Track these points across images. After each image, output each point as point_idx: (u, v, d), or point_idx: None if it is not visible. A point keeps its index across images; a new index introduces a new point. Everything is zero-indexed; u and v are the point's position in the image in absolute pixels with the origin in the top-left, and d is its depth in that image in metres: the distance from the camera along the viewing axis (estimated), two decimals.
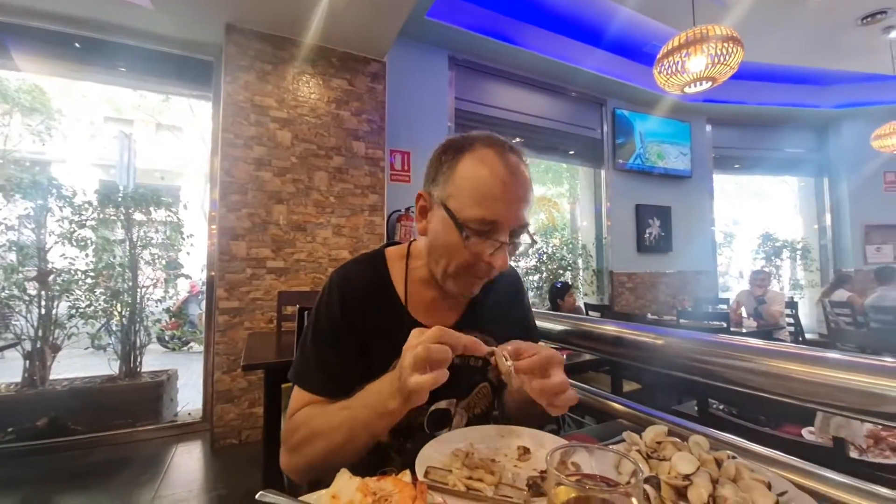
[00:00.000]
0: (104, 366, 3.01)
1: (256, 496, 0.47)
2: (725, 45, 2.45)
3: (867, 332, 3.70)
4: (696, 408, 1.47)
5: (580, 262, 5.16)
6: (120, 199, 2.96)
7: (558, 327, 1.15)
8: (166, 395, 2.98)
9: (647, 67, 3.47)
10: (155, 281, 3.14)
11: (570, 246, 5.11)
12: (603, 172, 4.99)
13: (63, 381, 2.83)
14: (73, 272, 2.87)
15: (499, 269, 0.66)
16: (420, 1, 2.90)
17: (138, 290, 3.02)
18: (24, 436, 2.52)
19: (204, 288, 3.32)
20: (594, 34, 4.28)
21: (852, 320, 3.94)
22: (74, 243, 2.85)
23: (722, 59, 2.47)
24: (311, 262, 2.99)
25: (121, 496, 2.08)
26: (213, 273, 2.89)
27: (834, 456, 0.99)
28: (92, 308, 2.89)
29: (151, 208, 3.04)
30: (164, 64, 3.15)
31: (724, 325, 3.21)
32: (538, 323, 1.19)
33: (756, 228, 6.50)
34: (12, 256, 2.73)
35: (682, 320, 3.45)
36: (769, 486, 0.49)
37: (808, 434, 1.20)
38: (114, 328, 3.05)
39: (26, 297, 2.72)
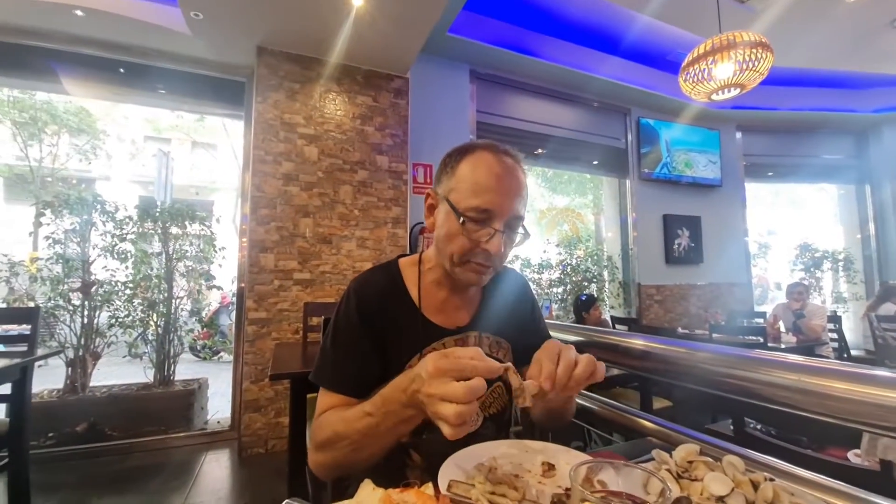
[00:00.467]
0: (140, 374, 3.13)
1: None
2: (754, 50, 2.39)
3: None
4: (731, 427, 1.41)
5: (606, 274, 5.06)
6: (158, 214, 3.11)
7: (583, 340, 1.13)
8: (197, 404, 3.06)
9: (672, 75, 3.42)
10: (189, 292, 3.26)
11: (595, 258, 5.02)
12: (628, 182, 4.90)
13: (102, 388, 2.95)
14: (113, 283, 3.02)
15: (493, 253, 0.71)
16: (442, 18, 2.96)
17: (173, 300, 3.15)
18: (64, 441, 2.63)
19: (234, 299, 3.43)
20: (615, 43, 4.26)
21: None
22: (115, 256, 3.00)
23: (751, 65, 2.41)
24: (336, 274, 3.04)
25: (153, 502, 2.14)
26: (243, 284, 2.98)
27: (881, 480, 0.93)
28: (130, 318, 3.03)
29: (186, 222, 3.17)
30: (201, 85, 3.32)
31: (761, 339, 3.06)
32: (565, 336, 1.18)
33: (794, 238, 6.22)
34: (58, 268, 2.89)
35: (714, 335, 3.31)
36: None
37: (853, 457, 1.13)
38: (149, 337, 3.17)
39: (70, 308, 2.87)
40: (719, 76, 2.51)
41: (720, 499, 0.48)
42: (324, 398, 0.74)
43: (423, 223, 3.41)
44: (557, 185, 9.81)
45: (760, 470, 0.57)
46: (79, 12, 2.69)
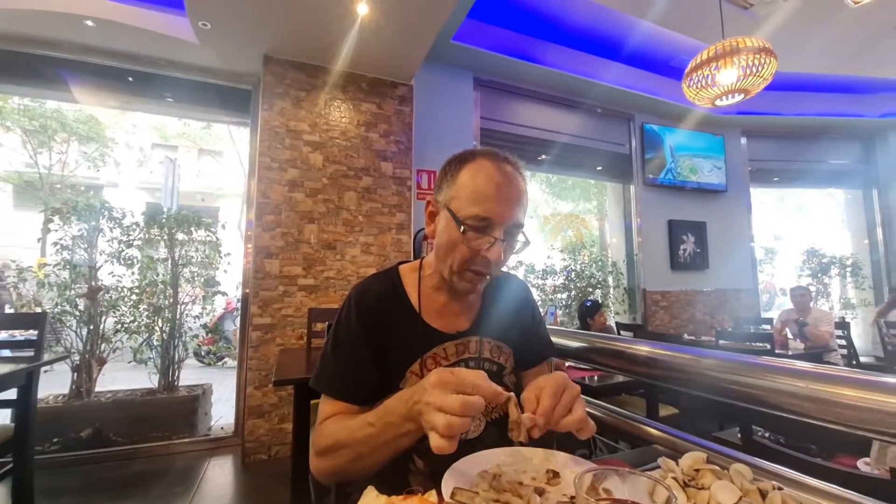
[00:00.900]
0: (145, 379, 3.14)
1: None
2: (758, 56, 2.39)
3: None
4: (738, 435, 1.39)
5: (610, 280, 5.03)
6: (164, 220, 3.14)
7: (590, 347, 1.12)
8: (201, 409, 3.07)
9: (676, 81, 3.43)
10: (194, 298, 3.27)
11: (600, 263, 5.00)
12: (632, 188, 4.89)
13: (107, 394, 2.97)
14: (119, 289, 3.04)
15: (493, 261, 0.71)
16: (445, 26, 2.99)
17: (178, 306, 3.16)
18: (69, 446, 2.64)
19: (239, 305, 3.44)
20: (618, 50, 4.27)
21: None
22: (122, 262, 3.03)
23: (755, 70, 2.41)
24: (340, 280, 3.05)
25: None
26: (247, 290, 2.99)
27: (891, 488, 0.91)
28: (135, 323, 3.05)
29: (192, 228, 3.20)
30: (207, 94, 3.36)
31: (768, 346, 3.03)
32: (570, 342, 1.17)
33: (800, 244, 6.17)
34: (66, 274, 2.92)
35: (721, 341, 3.28)
36: None
37: (863, 465, 1.11)
38: (154, 343, 3.19)
39: (77, 313, 2.89)
40: (723, 82, 2.51)
41: None
42: (325, 405, 0.74)
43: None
44: (561, 190, 9.80)
45: (768, 478, 0.56)
46: (89, 22, 2.74)
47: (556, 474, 0.60)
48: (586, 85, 4.28)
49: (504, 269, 0.82)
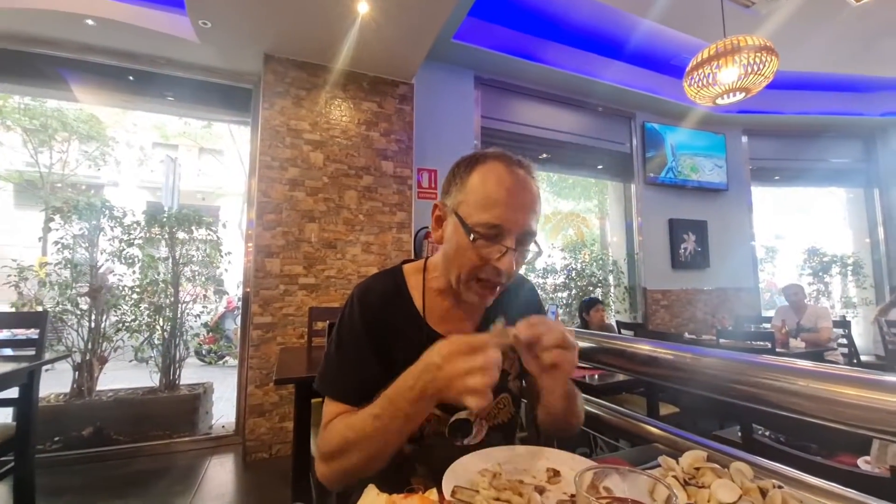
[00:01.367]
0: (146, 378, 3.15)
1: None
2: (759, 55, 2.38)
3: None
4: (739, 433, 1.39)
5: (611, 278, 5.03)
6: (165, 219, 3.14)
7: (589, 345, 1.12)
8: (202, 408, 3.07)
9: (677, 80, 3.43)
10: (195, 297, 3.28)
11: (601, 262, 4.99)
12: (633, 187, 4.88)
13: (108, 392, 2.97)
14: (121, 288, 3.04)
15: (505, 271, 0.68)
16: (446, 25, 2.99)
17: (179, 305, 3.17)
18: (71, 444, 2.65)
19: (239, 304, 3.44)
20: (619, 48, 4.26)
21: None
22: (123, 261, 3.03)
23: (756, 69, 2.40)
24: (341, 279, 3.05)
25: None
26: (248, 289, 3.00)
27: (892, 487, 0.91)
28: (136, 322, 3.05)
29: (193, 227, 3.20)
30: (208, 93, 3.36)
31: (769, 345, 3.03)
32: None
33: (802, 243, 6.16)
34: (67, 273, 2.92)
35: (722, 340, 3.27)
36: None
37: (863, 464, 1.11)
38: (156, 342, 3.19)
39: (78, 312, 2.90)
40: (724, 80, 2.51)
41: None
42: (329, 407, 0.73)
43: (427, 228, 3.42)
44: (562, 189, 9.80)
45: (769, 477, 0.56)
46: (90, 21, 2.74)
47: (556, 473, 0.60)
48: (587, 83, 4.28)
49: None
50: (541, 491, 0.55)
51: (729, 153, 5.25)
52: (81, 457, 2.61)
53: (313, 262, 3.00)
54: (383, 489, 0.50)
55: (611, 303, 4.88)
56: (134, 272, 3.09)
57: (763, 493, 0.50)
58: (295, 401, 1.73)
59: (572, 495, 0.53)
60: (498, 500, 0.51)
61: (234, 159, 9.86)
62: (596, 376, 2.40)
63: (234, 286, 4.21)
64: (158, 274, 3.16)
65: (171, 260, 3.16)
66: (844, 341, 3.97)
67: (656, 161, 4.88)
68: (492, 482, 0.54)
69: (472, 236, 0.67)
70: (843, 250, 5.85)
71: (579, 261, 4.85)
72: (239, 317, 3.48)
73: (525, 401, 0.91)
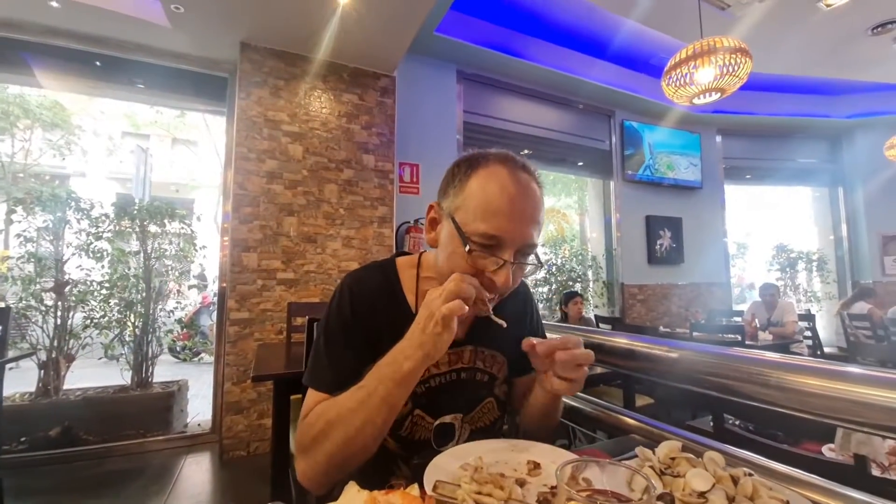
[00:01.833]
0: (117, 376, 3.04)
1: None
2: (734, 56, 2.45)
3: (888, 345, 3.59)
4: (711, 423, 1.44)
5: (590, 273, 5.12)
6: (135, 212, 3.03)
7: None
8: (177, 406, 2.99)
9: (655, 79, 3.49)
10: (168, 292, 3.18)
11: (580, 257, 5.08)
12: (612, 184, 4.97)
13: (76, 391, 2.86)
14: (88, 283, 2.92)
15: (500, 287, 0.64)
16: (429, 17, 2.96)
17: (151, 301, 3.07)
18: (37, 445, 2.54)
19: (215, 299, 3.36)
20: (601, 47, 4.32)
21: (872, 333, 3.83)
22: (91, 255, 2.91)
23: (731, 70, 2.47)
24: (321, 274, 3.01)
25: None
26: (224, 284, 2.92)
27: (855, 474, 0.96)
28: (106, 319, 2.94)
29: (166, 220, 3.09)
30: (181, 80, 3.24)
31: (739, 338, 3.15)
32: (549, 335, 1.18)
33: (770, 239, 6.40)
34: (30, 267, 2.79)
35: (695, 333, 3.38)
36: None
37: (828, 451, 1.16)
38: (127, 339, 3.09)
39: (43, 308, 2.77)
40: (700, 80, 2.57)
41: (702, 494, 0.49)
42: (311, 398, 0.69)
43: (409, 223, 3.41)
44: (543, 185, 9.88)
45: (739, 465, 0.58)
46: (54, 3, 2.59)
47: (536, 465, 0.60)
48: (569, 81, 4.32)
49: None
50: (521, 483, 0.56)
51: (703, 152, 5.40)
52: (50, 457, 2.51)
53: (292, 257, 2.94)
54: (365, 486, 0.49)
55: (589, 297, 4.97)
56: (103, 266, 2.97)
57: (735, 480, 0.52)
58: (273, 397, 1.70)
59: (553, 487, 0.54)
60: (479, 493, 0.51)
61: (209, 150, 9.58)
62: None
63: (209, 281, 4.10)
64: (129, 269, 3.05)
65: (142, 254, 3.05)
66: (809, 334, 4.16)
67: (635, 159, 4.97)
68: (473, 476, 0.54)
69: (467, 247, 0.62)
70: (808, 247, 6.11)
71: (559, 256, 4.92)
72: (215, 313, 3.39)
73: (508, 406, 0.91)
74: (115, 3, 2.69)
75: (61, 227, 2.88)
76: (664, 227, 5.12)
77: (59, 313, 2.81)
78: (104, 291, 2.95)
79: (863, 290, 4.36)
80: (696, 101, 2.76)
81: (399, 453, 0.74)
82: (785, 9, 3.17)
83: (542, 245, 4.96)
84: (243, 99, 2.89)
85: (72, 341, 2.86)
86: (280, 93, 2.99)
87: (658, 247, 5.05)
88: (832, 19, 3.30)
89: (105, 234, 2.97)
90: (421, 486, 0.50)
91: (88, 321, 2.90)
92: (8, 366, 1.84)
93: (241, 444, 2.71)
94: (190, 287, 3.54)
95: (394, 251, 3.20)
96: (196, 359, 5.60)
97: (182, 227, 3.20)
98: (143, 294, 3.04)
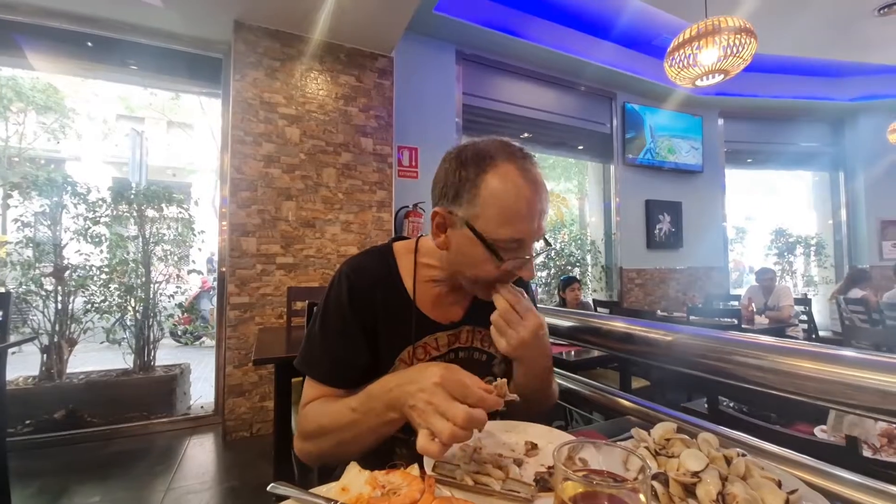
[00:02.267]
0: (119, 360, 3.07)
1: (268, 488, 0.47)
2: (738, 36, 2.40)
3: (882, 329, 3.63)
4: (706, 405, 1.46)
5: (589, 258, 5.13)
6: (133, 196, 3.01)
7: (567, 323, 1.15)
8: (179, 389, 3.03)
9: (658, 60, 3.42)
10: (167, 276, 3.18)
11: (579, 242, 5.08)
12: (612, 167, 4.94)
13: (80, 375, 2.89)
14: (88, 268, 2.92)
15: (527, 279, 0.71)
16: None
17: (151, 285, 3.07)
18: (42, 428, 2.58)
19: (215, 283, 3.36)
20: (603, 27, 4.23)
21: (867, 318, 3.87)
22: (89, 240, 2.90)
23: (735, 51, 2.43)
24: (320, 258, 3.01)
25: (136, 487, 2.13)
26: (224, 269, 2.92)
27: (847, 455, 0.98)
28: (106, 303, 2.95)
29: (163, 205, 3.08)
30: (175, 62, 3.17)
31: (736, 321, 3.18)
32: (549, 319, 1.19)
33: (769, 224, 6.40)
34: (29, 253, 2.79)
35: (692, 317, 3.41)
36: (779, 485, 0.49)
37: (820, 433, 1.18)
38: (128, 323, 3.10)
39: (43, 293, 2.78)
40: (704, 62, 2.53)
41: (696, 474, 0.50)
42: (309, 389, 0.72)
43: (408, 207, 3.39)
44: (543, 169, 9.74)
45: (733, 446, 0.60)
46: None
47: (534, 446, 0.62)
48: (570, 62, 4.24)
49: None
50: (519, 464, 0.57)
51: (705, 135, 5.35)
52: (55, 439, 2.55)
53: (291, 242, 2.94)
54: (366, 463, 0.50)
55: (588, 282, 4.99)
56: (102, 251, 2.96)
57: (728, 461, 0.53)
58: (275, 381, 1.72)
59: (550, 467, 0.55)
60: (478, 473, 0.52)
61: (205, 134, 9.46)
62: (572, 352, 2.47)
63: (208, 265, 4.10)
64: (128, 253, 3.05)
65: (140, 239, 3.04)
66: (805, 318, 4.20)
67: (635, 142, 4.93)
68: (472, 456, 0.55)
69: (494, 253, 0.65)
70: (807, 231, 6.11)
71: (559, 241, 4.92)
72: (215, 297, 3.40)
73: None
74: None
75: (58, 212, 2.87)
76: (664, 211, 5.11)
77: (59, 298, 2.82)
78: (104, 276, 2.96)
79: (856, 273, 4.37)
80: (699, 82, 2.73)
81: (399, 436, 0.75)
82: None
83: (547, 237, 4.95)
84: (238, 80, 2.84)
85: (73, 326, 2.88)
86: (276, 74, 2.93)
87: (657, 231, 5.05)
88: (839, 0, 3.23)
89: (103, 219, 2.96)
90: (421, 467, 0.51)
91: (89, 306, 2.91)
92: (10, 350, 1.85)
93: (243, 426, 2.75)
94: (192, 272, 3.52)
95: (393, 235, 3.20)
96: (197, 342, 5.65)
97: (180, 212, 3.18)
98: (143, 279, 3.05)
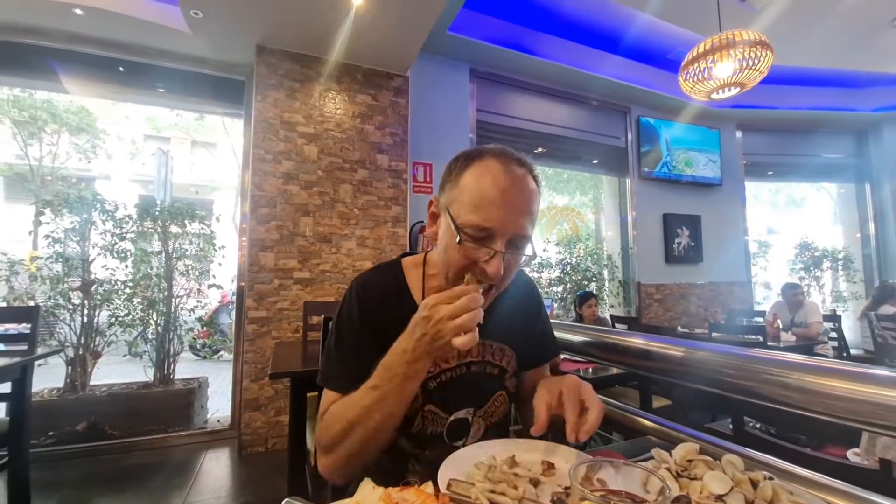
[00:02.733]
0: (140, 372, 3.13)
1: (282, 503, 0.47)
2: (754, 49, 2.39)
3: None
4: (730, 426, 1.41)
5: (605, 273, 5.05)
6: (157, 213, 3.11)
7: (584, 339, 1.13)
8: (197, 402, 3.07)
9: (672, 74, 3.42)
10: (188, 291, 3.25)
11: (595, 256, 5.02)
12: (628, 181, 4.90)
13: (102, 387, 2.95)
14: (113, 282, 3.02)
15: (491, 276, 0.64)
16: (442, 16, 2.96)
17: (173, 299, 3.15)
18: (64, 440, 2.64)
19: (234, 298, 3.43)
20: (615, 42, 4.25)
21: None
22: (115, 255, 3.00)
23: (751, 63, 2.41)
24: (336, 273, 3.04)
25: (153, 500, 2.15)
26: (242, 283, 2.98)
27: (880, 479, 0.93)
28: (130, 317, 3.03)
29: (186, 221, 3.17)
30: (200, 84, 3.32)
31: (761, 339, 3.07)
32: (565, 335, 1.18)
33: (793, 237, 6.22)
34: (58, 267, 2.89)
35: (714, 334, 3.31)
36: None
37: (852, 456, 1.13)
38: (149, 336, 3.17)
39: (70, 307, 2.87)
40: (719, 75, 2.51)
41: (719, 497, 0.48)
42: (327, 398, 0.73)
43: (423, 222, 3.41)
44: (557, 183, 9.81)
45: (759, 469, 0.57)
46: (78, 11, 2.68)
47: (551, 465, 0.60)
48: (583, 77, 4.27)
49: None
50: (535, 483, 0.56)
51: (723, 148, 5.27)
52: (76, 451, 2.60)
53: (308, 257, 2.98)
54: (380, 484, 0.50)
55: (605, 297, 4.91)
56: (126, 266, 3.06)
57: (754, 484, 0.51)
58: (291, 395, 1.73)
59: (567, 488, 0.53)
60: (493, 492, 0.51)
61: (227, 152, 9.77)
62: (590, 370, 2.42)
63: (228, 280, 4.19)
64: (151, 268, 3.13)
65: (164, 254, 3.13)
66: (835, 335, 4.03)
67: (651, 156, 4.89)
68: (487, 475, 0.55)
69: (458, 238, 0.64)
70: (833, 245, 5.91)
71: (574, 255, 4.87)
72: (233, 311, 3.46)
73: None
74: (136, 10, 2.77)
75: (87, 228, 2.98)
76: (682, 225, 5.02)
77: (85, 311, 2.91)
78: (128, 290, 3.04)
79: (886, 289, 4.18)
80: (714, 96, 2.70)
81: (411, 451, 0.75)
82: (807, 0, 3.08)
83: (557, 244, 4.92)
84: (260, 101, 2.94)
85: (98, 339, 2.96)
86: (295, 94, 3.03)
87: (676, 245, 4.96)
88: (856, 10, 3.19)
89: (129, 235, 3.06)
90: (434, 483, 0.51)
91: (113, 319, 2.99)
92: (37, 362, 1.91)
93: (259, 440, 2.76)
94: (213, 287, 3.60)
95: (408, 250, 3.22)
96: (216, 356, 5.73)
97: (202, 228, 3.27)
98: (165, 293, 3.12)
